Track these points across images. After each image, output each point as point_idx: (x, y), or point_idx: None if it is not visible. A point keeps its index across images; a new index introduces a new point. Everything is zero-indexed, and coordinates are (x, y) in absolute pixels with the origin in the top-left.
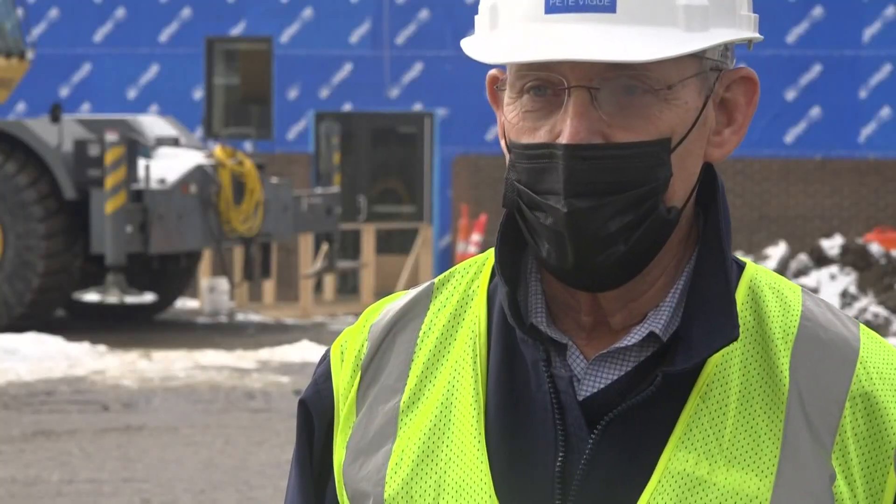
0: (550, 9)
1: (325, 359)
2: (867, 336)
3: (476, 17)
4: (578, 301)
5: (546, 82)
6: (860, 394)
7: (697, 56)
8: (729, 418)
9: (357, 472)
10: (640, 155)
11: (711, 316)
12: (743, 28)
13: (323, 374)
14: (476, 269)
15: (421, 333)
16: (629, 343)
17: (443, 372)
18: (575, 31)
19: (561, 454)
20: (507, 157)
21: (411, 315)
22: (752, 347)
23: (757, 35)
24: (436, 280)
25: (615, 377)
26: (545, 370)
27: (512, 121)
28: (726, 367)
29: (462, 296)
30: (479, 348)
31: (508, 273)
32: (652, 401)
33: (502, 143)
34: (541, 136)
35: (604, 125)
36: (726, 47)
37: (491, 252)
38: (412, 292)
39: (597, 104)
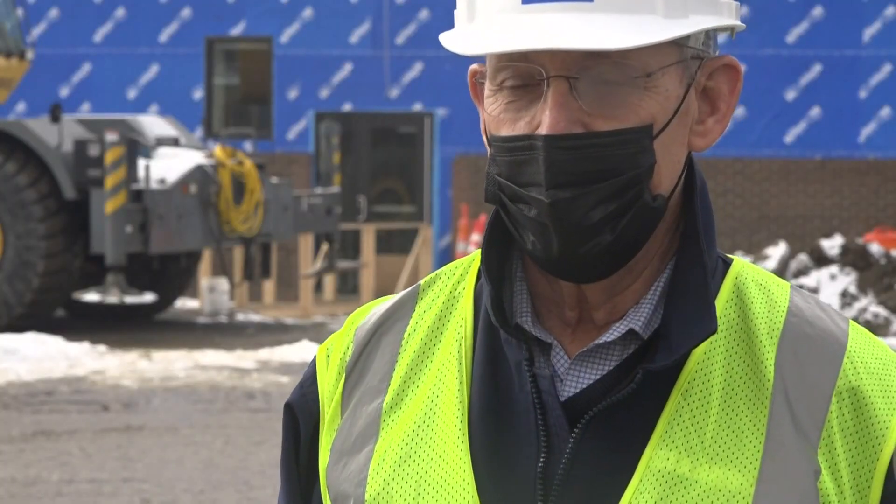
0: None
1: (312, 362)
2: (856, 331)
3: (455, 11)
4: (562, 295)
5: (525, 73)
6: (847, 388)
7: (678, 44)
8: (711, 415)
9: (340, 472)
10: (621, 142)
11: (689, 311)
12: (724, 15)
13: (309, 378)
14: (462, 270)
15: (406, 335)
16: (608, 339)
17: (428, 373)
18: (553, 21)
19: (543, 454)
20: (488, 150)
21: (396, 317)
22: (737, 344)
23: (738, 23)
24: (422, 282)
25: (597, 376)
26: (527, 370)
27: (492, 113)
28: (709, 363)
29: (448, 297)
30: (464, 350)
31: (494, 274)
32: (633, 399)
33: (484, 138)
34: (521, 128)
35: (584, 115)
36: (707, 35)
37: (478, 254)
38: (398, 295)
39: (576, 94)
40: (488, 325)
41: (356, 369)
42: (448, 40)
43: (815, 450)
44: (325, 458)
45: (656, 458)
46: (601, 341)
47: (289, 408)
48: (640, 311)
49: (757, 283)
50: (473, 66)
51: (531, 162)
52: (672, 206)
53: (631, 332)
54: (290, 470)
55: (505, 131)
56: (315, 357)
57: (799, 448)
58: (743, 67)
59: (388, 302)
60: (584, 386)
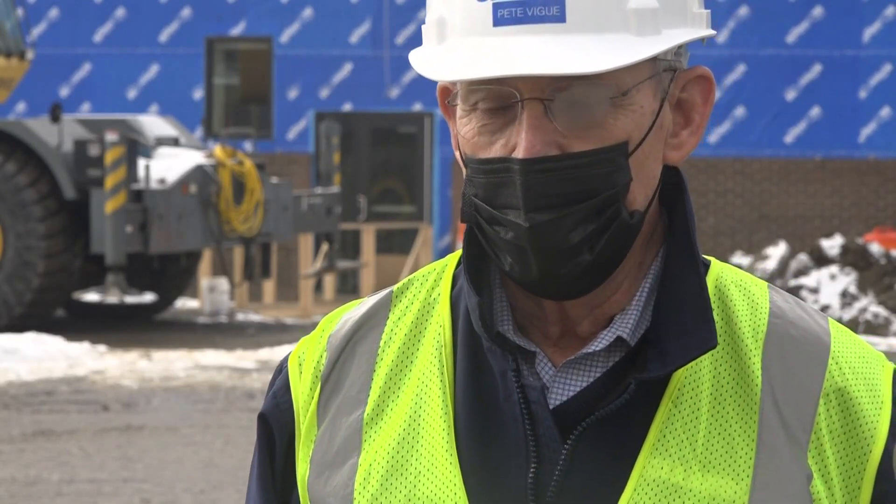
0: (499, 21)
1: (283, 370)
2: (837, 330)
3: (423, 28)
4: (544, 311)
5: (499, 95)
6: (834, 390)
7: (651, 58)
8: (702, 422)
9: (323, 486)
10: (597, 162)
11: (686, 322)
12: (696, 26)
13: (282, 387)
14: (436, 276)
15: (382, 343)
16: (596, 349)
17: (408, 383)
18: (525, 44)
19: (533, 465)
20: (464, 170)
21: (371, 324)
22: (722, 348)
23: (710, 31)
24: (394, 288)
25: (584, 384)
26: (515, 380)
27: (466, 135)
28: (697, 369)
29: (423, 304)
30: (445, 358)
31: (477, 283)
32: (624, 408)
33: (457, 154)
34: (496, 150)
35: (559, 136)
36: (679, 46)
37: (449, 258)
38: (370, 300)
39: (551, 115)
40: (469, 332)
41: (331, 378)
42: (418, 62)
43: (804, 454)
44: (304, 469)
45: (650, 467)
46: (589, 350)
47: (262, 418)
48: (626, 319)
49: (737, 284)
50: (442, 84)
51: (508, 184)
52: (649, 215)
53: (617, 339)
54: (266, 480)
55: (481, 153)
56: (286, 365)
57: (790, 453)
58: (743, 67)
59: (360, 308)
60: (572, 395)
